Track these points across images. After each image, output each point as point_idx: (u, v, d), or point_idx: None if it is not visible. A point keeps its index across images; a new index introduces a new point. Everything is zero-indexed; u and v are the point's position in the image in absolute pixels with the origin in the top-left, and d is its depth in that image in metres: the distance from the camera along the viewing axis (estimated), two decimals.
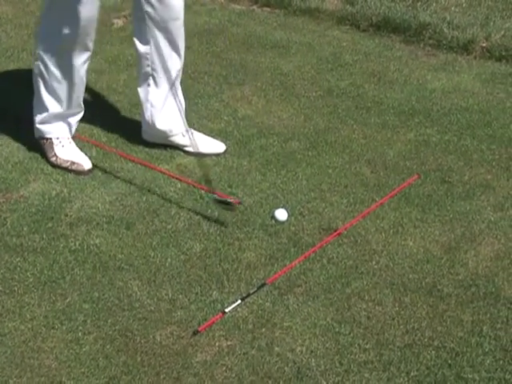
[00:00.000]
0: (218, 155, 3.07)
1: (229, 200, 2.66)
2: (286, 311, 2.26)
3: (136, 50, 2.90)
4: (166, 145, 3.10)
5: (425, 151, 3.18)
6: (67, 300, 2.27)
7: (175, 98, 3.00)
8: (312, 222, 2.69)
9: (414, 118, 3.46)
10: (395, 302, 2.31)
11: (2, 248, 2.47)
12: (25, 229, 2.58)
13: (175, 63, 2.95)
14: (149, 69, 2.93)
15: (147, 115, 3.00)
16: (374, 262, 2.49)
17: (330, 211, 2.76)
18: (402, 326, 2.22)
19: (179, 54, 2.95)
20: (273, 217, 2.69)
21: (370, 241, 2.59)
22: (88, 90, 3.58)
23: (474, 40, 4.14)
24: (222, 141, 3.19)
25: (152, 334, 2.16)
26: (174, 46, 2.91)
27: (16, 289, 2.30)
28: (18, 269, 2.39)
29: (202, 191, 2.82)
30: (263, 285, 2.36)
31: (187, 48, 4.07)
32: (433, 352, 2.14)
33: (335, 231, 2.63)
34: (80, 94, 2.91)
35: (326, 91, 3.71)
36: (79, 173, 2.83)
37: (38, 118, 2.91)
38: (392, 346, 2.15)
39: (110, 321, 2.20)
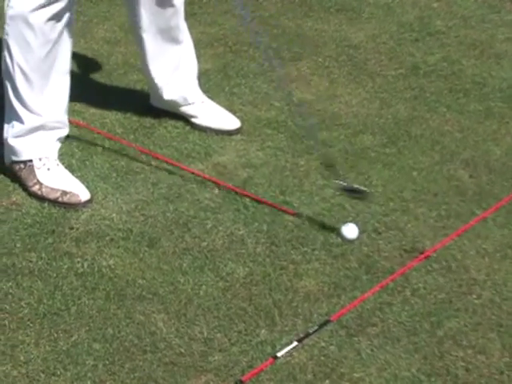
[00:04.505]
0: (229, 133, 3.15)
1: (359, 188, 2.75)
2: (356, 358, 2.27)
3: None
4: (200, 140, 3.18)
5: None
6: (72, 338, 2.31)
7: (186, 61, 3.15)
8: (391, 241, 2.70)
9: None
10: (504, 349, 2.30)
11: None
12: (18, 245, 2.64)
13: (168, 18, 3.04)
14: (140, 31, 3.06)
15: (156, 81, 3.16)
16: (474, 296, 2.48)
17: (414, 227, 2.76)
18: None
19: (172, 4, 3.03)
20: (339, 234, 2.71)
21: (469, 267, 2.59)
22: (99, 66, 3.68)
23: None
24: (272, 133, 3.24)
25: None
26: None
27: (7, 323, 2.35)
28: (10, 297, 2.44)
29: (247, 199, 2.86)
30: (326, 322, 2.37)
31: (226, 12, 4.20)
32: None
33: (421, 254, 2.63)
34: (64, 92, 2.87)
35: (409, 69, 3.71)
36: (73, 206, 2.77)
37: (10, 132, 2.85)
38: None
39: (127, 366, 2.23)
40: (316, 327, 2.35)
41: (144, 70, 3.22)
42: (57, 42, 2.76)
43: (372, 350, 2.29)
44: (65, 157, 2.99)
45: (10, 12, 2.72)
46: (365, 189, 2.77)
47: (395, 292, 2.49)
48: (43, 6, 2.67)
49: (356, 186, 2.79)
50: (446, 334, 2.35)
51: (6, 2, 2.74)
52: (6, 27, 2.75)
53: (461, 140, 3.23)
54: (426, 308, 2.44)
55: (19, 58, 2.75)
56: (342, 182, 2.77)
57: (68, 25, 2.77)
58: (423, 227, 2.77)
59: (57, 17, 2.71)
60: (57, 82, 2.83)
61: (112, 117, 3.29)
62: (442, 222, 2.79)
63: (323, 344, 2.31)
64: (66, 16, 2.74)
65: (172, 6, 3.04)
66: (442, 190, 2.95)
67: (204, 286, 2.50)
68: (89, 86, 3.48)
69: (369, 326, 2.37)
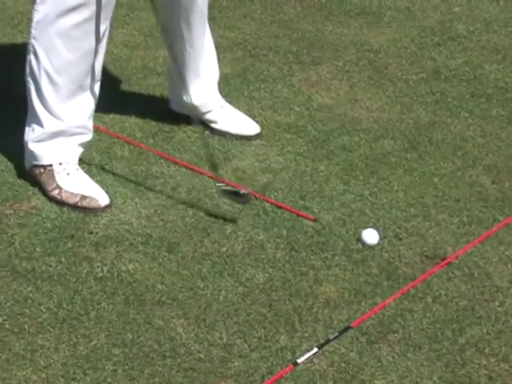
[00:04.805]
0: (248, 138, 3.18)
1: (240, 190, 2.76)
2: (377, 365, 2.28)
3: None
4: (220, 145, 3.20)
5: None
6: (92, 343, 2.33)
7: (208, 67, 3.18)
8: (412, 247, 2.71)
9: None
10: None
11: (8, 274, 2.56)
12: (38, 249, 2.66)
13: (197, 26, 3.08)
14: (168, 35, 3.10)
15: (178, 84, 3.18)
16: (496, 303, 2.48)
17: (435, 233, 2.77)
18: None
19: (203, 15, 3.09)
20: (359, 239, 2.71)
21: (491, 274, 2.59)
22: (118, 69, 3.70)
23: None
24: (292, 138, 3.25)
25: None
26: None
27: (27, 327, 2.37)
28: (30, 301, 2.46)
29: (267, 204, 2.87)
30: (347, 329, 2.38)
31: (245, 16, 4.21)
32: None
33: (443, 260, 2.64)
34: (92, 100, 2.89)
35: (430, 73, 3.72)
36: (92, 210, 2.80)
37: (31, 136, 2.88)
38: None
39: (146, 371, 2.25)
40: (336, 334, 2.36)
41: (169, 73, 3.27)
42: (88, 48, 2.76)
43: (393, 357, 2.30)
44: (84, 161, 3.01)
45: (36, 16, 2.74)
46: (245, 191, 2.76)
47: (416, 299, 2.50)
48: (70, 11, 2.68)
49: (236, 188, 2.80)
50: (468, 342, 2.35)
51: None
52: (33, 31, 2.77)
53: (483, 145, 3.24)
54: (448, 315, 2.44)
55: (45, 62, 2.77)
56: (222, 185, 2.79)
57: (99, 32, 2.76)
58: (445, 233, 2.77)
59: (87, 23, 2.71)
60: (86, 89, 2.84)
61: (131, 121, 3.31)
62: (464, 228, 2.80)
63: (344, 351, 2.32)
64: (97, 23, 2.73)
65: (202, 14, 3.07)
66: (464, 195, 2.95)
67: (223, 292, 2.51)
68: (108, 90, 3.47)
69: (390, 333, 2.38)
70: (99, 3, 2.69)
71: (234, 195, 2.77)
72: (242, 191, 2.76)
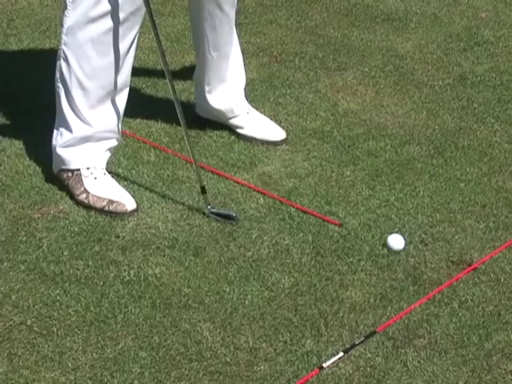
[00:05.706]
0: (274, 144, 3.22)
1: (231, 214, 2.82)
2: (403, 369, 2.29)
3: None
4: (245, 150, 3.23)
5: None
6: (119, 345, 2.36)
7: (234, 72, 3.21)
8: (438, 252, 2.71)
9: None
10: None
11: (36, 277, 2.59)
12: (65, 253, 2.69)
13: (224, 33, 3.13)
14: (195, 39, 3.19)
15: (204, 89, 3.23)
16: None
17: (461, 238, 2.78)
18: None
19: (229, 18, 3.13)
20: (385, 244, 2.72)
21: None
22: (145, 76, 3.74)
23: None
24: (317, 143, 3.27)
25: None
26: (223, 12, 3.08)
27: (55, 330, 2.41)
28: (58, 304, 2.49)
29: (292, 209, 2.89)
30: (373, 333, 2.39)
31: (271, 22, 4.24)
32: None
33: (469, 265, 2.64)
34: (121, 105, 2.93)
35: (456, 79, 3.72)
36: (119, 214, 2.83)
37: (59, 141, 2.92)
38: None
39: (173, 374, 2.27)
40: (362, 338, 2.37)
41: (196, 78, 3.30)
42: (118, 54, 2.80)
43: (419, 362, 2.31)
44: (111, 166, 3.04)
45: (67, 22, 2.78)
46: (233, 213, 2.81)
47: (442, 304, 2.50)
48: (100, 18, 2.72)
49: (224, 211, 2.84)
50: (494, 347, 2.35)
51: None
52: (64, 37, 2.80)
53: (509, 151, 3.24)
54: (474, 320, 2.45)
55: (76, 67, 2.80)
56: (212, 208, 2.83)
57: (129, 38, 2.79)
58: (471, 239, 2.77)
59: (117, 29, 2.74)
60: (115, 94, 2.88)
61: (158, 126, 3.35)
62: (491, 233, 2.80)
63: (369, 355, 2.33)
64: (127, 29, 2.77)
65: (229, 21, 3.10)
66: (490, 201, 2.96)
67: (249, 296, 2.53)
68: (135, 95, 3.52)
69: (415, 338, 2.39)
70: (129, 10, 2.73)
71: (225, 218, 2.81)
72: (234, 214, 2.81)
